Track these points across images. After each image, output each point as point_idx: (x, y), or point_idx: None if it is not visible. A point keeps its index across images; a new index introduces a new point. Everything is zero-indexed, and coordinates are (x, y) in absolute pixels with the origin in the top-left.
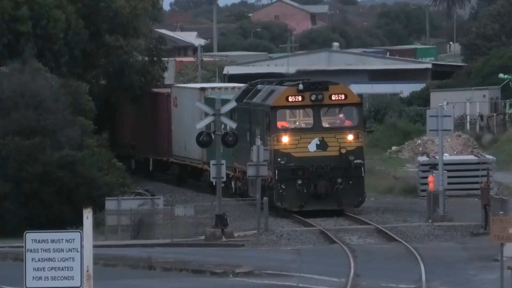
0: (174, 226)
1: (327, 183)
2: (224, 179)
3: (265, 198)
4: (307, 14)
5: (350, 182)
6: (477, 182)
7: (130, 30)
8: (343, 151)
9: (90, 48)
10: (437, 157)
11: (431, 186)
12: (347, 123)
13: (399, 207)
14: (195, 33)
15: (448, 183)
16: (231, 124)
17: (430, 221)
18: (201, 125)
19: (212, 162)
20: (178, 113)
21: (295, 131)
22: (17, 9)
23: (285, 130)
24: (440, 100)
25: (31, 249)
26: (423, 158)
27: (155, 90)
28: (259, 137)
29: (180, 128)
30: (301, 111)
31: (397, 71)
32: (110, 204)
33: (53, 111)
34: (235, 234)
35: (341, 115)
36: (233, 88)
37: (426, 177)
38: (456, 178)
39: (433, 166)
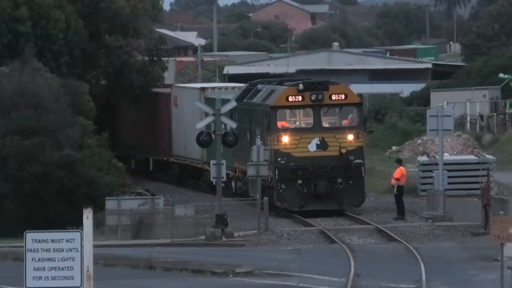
0: (174, 226)
1: (327, 183)
2: (224, 179)
3: (265, 198)
4: (307, 14)
5: (350, 182)
6: (477, 182)
7: (130, 30)
8: (343, 151)
9: (90, 48)
10: (437, 157)
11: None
12: (347, 123)
13: None
14: (195, 33)
15: (448, 183)
16: (231, 124)
17: (430, 221)
18: (201, 125)
19: (212, 162)
20: (178, 113)
21: (295, 131)
22: (16, 9)
23: (285, 130)
24: (440, 100)
25: (31, 249)
26: (423, 158)
27: (155, 90)
28: (259, 137)
29: (180, 128)
30: (301, 111)
31: (397, 71)
32: (110, 204)
33: (53, 111)
34: (235, 234)
35: (341, 115)
36: (233, 88)
37: (426, 177)
38: (456, 178)
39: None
